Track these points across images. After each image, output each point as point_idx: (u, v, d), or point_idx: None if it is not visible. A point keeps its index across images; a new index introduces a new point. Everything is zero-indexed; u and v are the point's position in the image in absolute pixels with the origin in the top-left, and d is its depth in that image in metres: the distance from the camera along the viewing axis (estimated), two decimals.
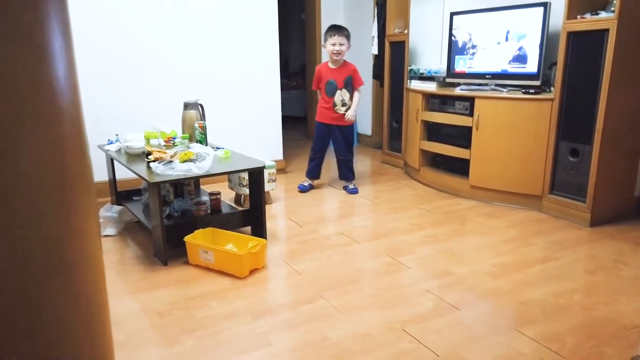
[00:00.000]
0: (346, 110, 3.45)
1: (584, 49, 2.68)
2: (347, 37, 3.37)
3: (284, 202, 3.39)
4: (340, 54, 3.35)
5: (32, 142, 0.51)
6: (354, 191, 3.55)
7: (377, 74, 4.58)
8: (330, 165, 4.43)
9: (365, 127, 5.41)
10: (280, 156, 4.14)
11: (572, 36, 2.71)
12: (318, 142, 3.58)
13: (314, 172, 3.65)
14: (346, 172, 3.61)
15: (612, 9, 2.57)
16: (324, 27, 5.37)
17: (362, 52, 5.17)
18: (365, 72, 5.17)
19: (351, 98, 3.47)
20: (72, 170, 0.57)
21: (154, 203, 2.30)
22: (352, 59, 5.40)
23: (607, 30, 2.53)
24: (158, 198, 2.25)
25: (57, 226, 0.55)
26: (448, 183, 3.51)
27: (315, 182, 3.73)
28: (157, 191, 2.24)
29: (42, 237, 0.53)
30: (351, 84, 3.45)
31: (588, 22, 2.63)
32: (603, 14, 2.62)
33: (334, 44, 3.34)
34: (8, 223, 0.51)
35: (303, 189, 3.60)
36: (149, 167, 2.42)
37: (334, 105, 3.43)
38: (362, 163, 4.58)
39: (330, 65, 3.44)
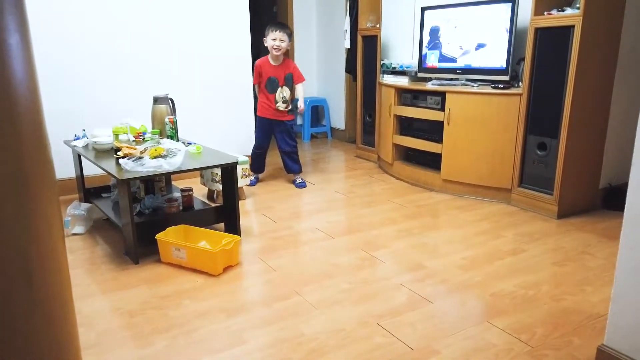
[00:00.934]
0: (286, 107, 3.49)
1: (550, 44, 2.74)
2: (289, 35, 3.41)
3: (258, 198, 3.37)
4: (279, 49, 3.38)
5: None
6: (302, 185, 3.61)
7: (350, 68, 4.58)
8: (301, 161, 4.42)
9: (338, 121, 5.41)
10: (249, 152, 4.09)
11: (539, 32, 2.77)
12: (261, 137, 3.60)
13: (259, 166, 3.69)
14: (291, 165, 3.64)
15: (578, 5, 2.63)
16: (296, 20, 5.34)
17: (335, 46, 5.17)
18: (338, 66, 5.17)
19: (291, 95, 3.51)
20: (31, 175, 0.54)
21: (124, 200, 2.24)
22: (325, 52, 5.41)
23: (573, 26, 2.59)
24: (128, 195, 2.20)
25: (16, 233, 0.52)
26: (421, 177, 3.55)
27: (262, 175, 3.78)
28: (126, 188, 2.19)
29: (0, 245, 0.50)
30: (291, 81, 3.50)
31: (554, 18, 2.68)
32: (569, 10, 2.69)
33: (274, 39, 3.36)
34: None
35: (251, 184, 3.64)
36: (118, 164, 2.36)
37: (275, 102, 3.47)
38: (335, 157, 4.59)
39: (271, 62, 3.46)
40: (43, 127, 0.56)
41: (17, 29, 0.49)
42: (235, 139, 4.01)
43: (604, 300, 1.92)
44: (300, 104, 3.53)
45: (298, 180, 3.65)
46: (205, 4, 3.66)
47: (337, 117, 5.42)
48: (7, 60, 0.49)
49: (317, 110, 5.60)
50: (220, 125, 3.92)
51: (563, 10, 2.72)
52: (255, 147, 3.67)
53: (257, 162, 3.69)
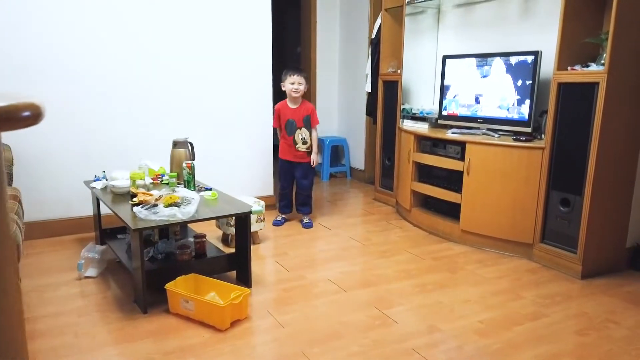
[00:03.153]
0: (307, 148, 3.57)
1: (574, 100, 2.68)
2: (306, 78, 3.51)
3: (273, 242, 3.33)
4: (298, 92, 3.47)
5: None
6: (309, 225, 3.68)
7: (370, 111, 4.59)
8: (318, 202, 4.39)
9: (358, 161, 5.40)
10: (270, 191, 4.10)
11: (563, 87, 2.72)
12: (284, 178, 3.70)
13: (285, 207, 3.77)
14: (302, 207, 3.74)
15: (602, 61, 2.58)
16: (319, 61, 5.42)
17: (356, 87, 5.20)
18: (359, 107, 5.19)
19: (311, 136, 3.56)
20: None
21: (136, 249, 2.24)
22: (346, 93, 5.45)
23: (597, 83, 2.54)
24: (140, 244, 2.20)
25: None
26: (439, 226, 3.47)
27: (289, 215, 3.82)
28: (139, 237, 2.19)
29: None
30: (309, 123, 3.56)
31: (578, 74, 2.64)
32: (593, 67, 2.64)
33: (292, 83, 3.46)
34: None
35: (277, 224, 3.72)
36: (132, 210, 2.37)
37: (295, 143, 3.55)
38: (354, 199, 4.55)
39: (289, 105, 3.56)
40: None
41: None
42: (255, 181, 4.02)
43: None
44: (314, 157, 3.59)
45: (305, 220, 3.72)
46: (228, 47, 3.73)
47: (357, 158, 5.41)
48: None
49: (337, 150, 5.60)
50: (241, 167, 3.94)
51: (587, 66, 2.67)
52: (280, 189, 3.76)
53: (283, 201, 3.77)
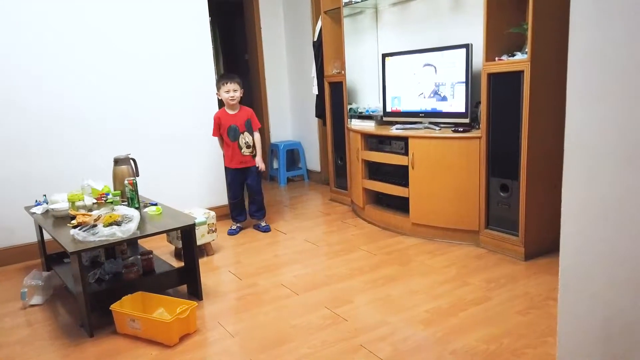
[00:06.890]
0: (251, 152, 3.60)
1: (503, 88, 2.78)
2: (239, 83, 3.54)
3: (227, 252, 3.32)
4: (234, 99, 3.50)
5: None
6: (267, 229, 3.71)
7: (320, 113, 4.62)
8: (275, 207, 4.39)
9: (314, 163, 5.42)
10: (224, 201, 4.07)
11: (492, 77, 2.81)
12: (233, 187, 3.70)
13: (239, 216, 3.77)
14: (256, 211, 3.75)
15: (526, 50, 2.68)
16: (267, 66, 5.43)
17: (306, 91, 5.22)
18: (311, 110, 5.22)
19: (253, 140, 3.60)
20: None
21: (76, 272, 2.19)
22: (297, 97, 5.47)
23: (522, 71, 2.64)
24: (79, 267, 2.15)
25: None
26: (391, 221, 3.53)
27: (244, 223, 3.82)
28: (77, 260, 2.14)
29: None
30: (251, 127, 3.59)
31: (504, 64, 2.73)
32: (518, 56, 2.74)
33: (227, 91, 3.48)
34: None
35: (232, 233, 3.71)
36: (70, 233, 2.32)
37: (239, 148, 3.56)
38: (311, 202, 4.57)
39: (229, 111, 3.57)
40: None
41: None
42: (207, 192, 3.99)
43: None
44: (259, 160, 3.59)
45: (263, 224, 3.73)
46: (169, 60, 3.70)
47: (313, 160, 5.43)
48: None
49: (293, 154, 5.61)
50: (191, 180, 3.91)
51: (513, 56, 2.77)
52: (230, 198, 3.75)
53: (236, 210, 3.76)
